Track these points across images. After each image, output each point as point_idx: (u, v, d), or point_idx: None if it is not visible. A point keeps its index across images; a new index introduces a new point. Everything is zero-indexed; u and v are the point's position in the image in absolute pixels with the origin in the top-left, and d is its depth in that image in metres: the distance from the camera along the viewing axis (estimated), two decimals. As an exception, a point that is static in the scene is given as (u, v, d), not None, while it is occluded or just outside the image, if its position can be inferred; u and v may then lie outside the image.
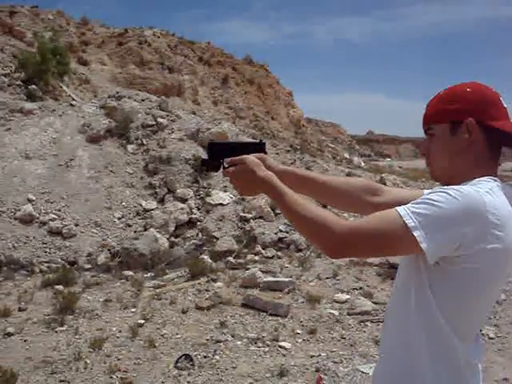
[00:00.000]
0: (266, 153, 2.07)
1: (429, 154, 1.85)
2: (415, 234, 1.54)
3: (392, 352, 1.80)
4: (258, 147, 2.08)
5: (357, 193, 2.07)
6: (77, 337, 6.78)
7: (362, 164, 32.85)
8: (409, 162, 49.96)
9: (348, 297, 8.26)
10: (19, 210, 11.00)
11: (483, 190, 1.60)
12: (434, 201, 1.56)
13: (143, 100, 16.13)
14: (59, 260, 10.14)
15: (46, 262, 10.00)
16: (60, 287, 8.74)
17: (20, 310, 7.83)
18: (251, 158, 1.89)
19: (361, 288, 8.71)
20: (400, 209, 1.59)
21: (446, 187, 1.61)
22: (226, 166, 1.96)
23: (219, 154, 2.01)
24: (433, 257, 1.57)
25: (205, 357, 6.21)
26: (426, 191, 1.85)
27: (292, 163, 15.12)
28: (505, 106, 1.77)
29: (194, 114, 19.23)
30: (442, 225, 1.54)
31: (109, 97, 16.31)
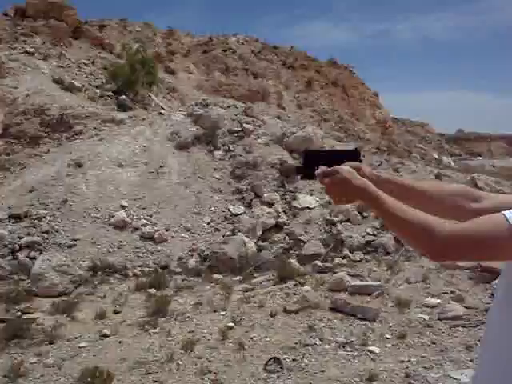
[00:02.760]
0: (360, 161, 2.06)
1: None
2: None
3: (494, 358, 1.74)
4: (353, 155, 2.07)
5: (456, 199, 2.01)
6: (169, 339, 6.98)
7: (452, 164, 31.96)
8: (501, 161, 48.01)
9: (438, 301, 8.05)
10: (113, 216, 11.45)
11: None
12: None
13: (229, 106, 16.40)
14: (151, 264, 10.47)
15: (138, 266, 10.35)
16: (152, 290, 9.03)
17: (115, 312, 8.16)
18: (345, 168, 1.88)
19: (452, 292, 8.47)
20: (506, 212, 1.56)
21: None
22: (319, 173, 1.96)
23: (314, 162, 2.02)
24: None
25: (293, 360, 6.24)
26: None
27: (379, 165, 14.93)
28: None
29: (278, 118, 19.32)
30: None
31: (196, 105, 16.68)
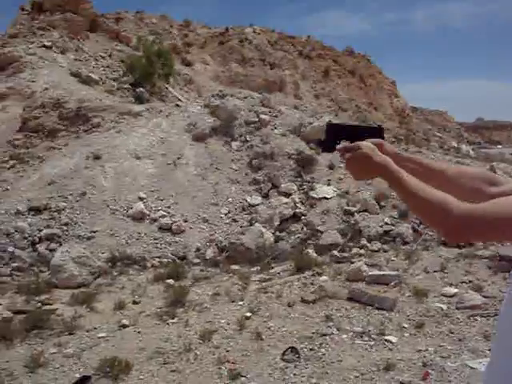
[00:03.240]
0: (383, 138, 2.06)
1: None
2: None
3: (506, 349, 1.76)
4: (376, 132, 2.05)
5: (475, 182, 2.01)
6: (187, 329, 7.03)
7: (471, 152, 31.68)
8: (521, 149, 47.49)
9: (457, 290, 8.00)
10: (131, 208, 11.53)
11: None
12: None
13: (245, 97, 16.40)
14: (169, 255, 10.54)
15: (157, 257, 10.43)
16: (171, 281, 9.09)
17: (134, 303, 8.22)
18: (366, 144, 1.88)
19: (470, 281, 8.42)
20: None
21: None
22: (339, 148, 1.96)
23: (336, 136, 2.03)
24: None
25: (311, 349, 6.25)
26: None
27: (396, 154, 14.86)
28: None
29: (296, 108, 19.30)
30: None
31: (212, 96, 16.70)
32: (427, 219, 1.76)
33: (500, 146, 65.92)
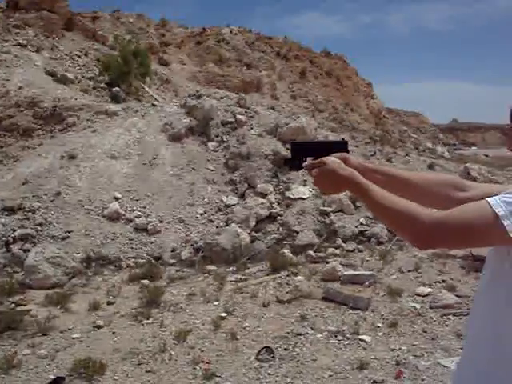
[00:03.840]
0: (348, 151, 2.09)
1: None
2: (505, 223, 1.51)
3: (480, 344, 1.77)
4: (340, 146, 2.08)
5: (443, 189, 2.03)
6: (162, 329, 7.02)
7: (446, 153, 32.02)
8: (495, 150, 48.13)
9: (430, 290, 8.11)
10: (106, 208, 11.46)
11: None
12: None
13: (222, 98, 16.40)
14: (145, 255, 10.49)
15: (132, 258, 10.38)
16: (146, 281, 9.05)
17: (108, 303, 8.18)
18: (331, 159, 1.92)
19: (444, 281, 8.54)
20: (490, 199, 1.58)
21: None
22: (306, 166, 2.00)
23: (301, 153, 2.06)
24: None
25: (285, 349, 6.28)
26: None
27: (372, 155, 14.98)
28: None
29: (272, 109, 19.35)
30: None
31: (189, 96, 16.67)
32: (396, 228, 1.79)
33: (474, 148, 66.82)
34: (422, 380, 5.55)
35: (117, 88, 19.29)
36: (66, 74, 19.50)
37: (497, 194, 1.60)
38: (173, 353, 6.25)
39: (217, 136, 14.65)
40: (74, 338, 6.87)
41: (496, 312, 1.69)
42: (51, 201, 11.57)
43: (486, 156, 41.13)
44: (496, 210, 1.53)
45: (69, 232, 10.74)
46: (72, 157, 13.07)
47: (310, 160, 2.00)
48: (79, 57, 22.66)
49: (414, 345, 6.41)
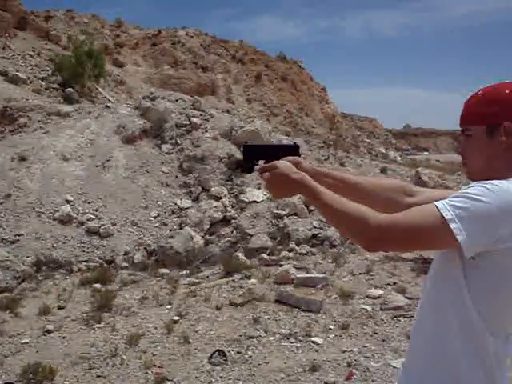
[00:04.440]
0: (300, 155, 2.11)
1: (465, 154, 1.85)
2: (452, 226, 1.55)
3: (424, 346, 1.82)
4: (292, 150, 2.11)
5: (390, 193, 2.08)
6: (114, 333, 6.95)
7: (398, 158, 32.56)
8: (447, 156, 49.20)
9: (381, 292, 8.24)
10: (58, 211, 11.26)
11: None
12: (473, 194, 1.57)
13: (177, 100, 16.29)
14: (97, 259, 10.36)
15: (84, 261, 10.23)
16: (98, 285, 8.95)
17: (59, 308, 8.06)
18: (282, 163, 1.94)
19: (394, 283, 8.68)
20: (438, 202, 1.61)
21: (484, 182, 1.61)
22: (257, 169, 2.01)
23: (253, 156, 2.07)
24: (469, 250, 1.57)
25: (238, 352, 6.30)
26: (463, 187, 1.84)
27: (325, 159, 15.12)
28: None
29: (228, 112, 19.35)
30: (479, 218, 1.54)
31: (143, 98, 16.53)
32: (346, 231, 1.82)
33: (427, 153, 68.17)
34: (373, 381, 5.64)
35: (70, 89, 19.02)
36: (18, 73, 19.13)
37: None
38: (124, 357, 6.20)
39: (171, 138, 14.57)
40: (23, 343, 6.76)
41: (441, 312, 1.74)
42: (1, 203, 11.31)
43: (438, 161, 41.97)
44: (443, 214, 1.57)
45: (19, 235, 10.52)
46: (23, 158, 12.80)
47: (261, 163, 2.02)
48: (32, 56, 22.26)
49: (365, 346, 6.50)
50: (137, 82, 27.00)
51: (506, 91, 1.74)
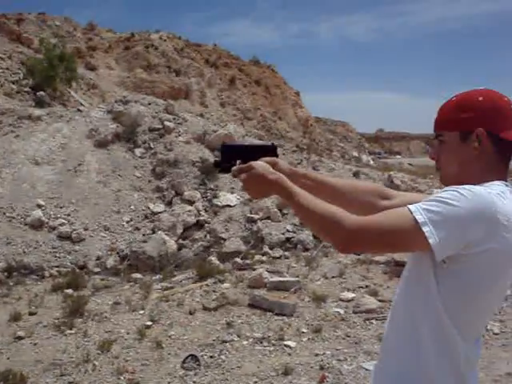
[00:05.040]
0: (277, 156, 2.12)
1: (439, 159, 1.87)
2: (424, 229, 1.56)
3: (396, 348, 1.83)
4: (270, 150, 2.11)
5: (366, 196, 2.10)
6: (86, 339, 6.88)
7: (371, 162, 32.83)
8: (419, 159, 49.72)
9: (354, 295, 8.29)
10: (29, 216, 11.14)
11: (494, 192, 1.63)
12: (445, 198, 1.59)
13: (150, 104, 16.24)
14: (69, 264, 10.27)
15: (55, 267, 10.13)
16: (70, 291, 8.85)
17: (30, 314, 7.94)
18: (259, 163, 1.95)
19: (367, 286, 8.74)
20: (411, 206, 1.63)
21: (457, 186, 1.63)
22: (234, 170, 2.02)
23: (231, 156, 2.08)
24: (440, 253, 1.59)
25: (211, 357, 6.28)
26: (436, 191, 1.83)
27: (298, 163, 15.19)
28: None
29: (201, 116, 19.35)
30: (451, 222, 1.56)
31: (115, 101, 16.44)
32: (320, 232, 1.84)
33: (399, 157, 68.78)
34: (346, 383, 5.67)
35: (41, 92, 18.85)
36: (-12, 77, 18.90)
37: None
38: (96, 363, 6.14)
39: (144, 142, 14.52)
40: (-7, 350, 6.66)
41: (413, 315, 1.76)
42: (-30, 208, 11.16)
43: (410, 165, 42.44)
44: (416, 217, 1.58)
45: (-11, 240, 10.39)
46: (-7, 162, 12.65)
47: (239, 164, 2.03)
48: (3, 59, 21.99)
49: (337, 349, 6.53)
50: (110, 86, 26.83)
51: (480, 98, 1.77)
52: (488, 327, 6.99)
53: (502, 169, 1.79)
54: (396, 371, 1.82)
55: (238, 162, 2.04)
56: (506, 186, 1.72)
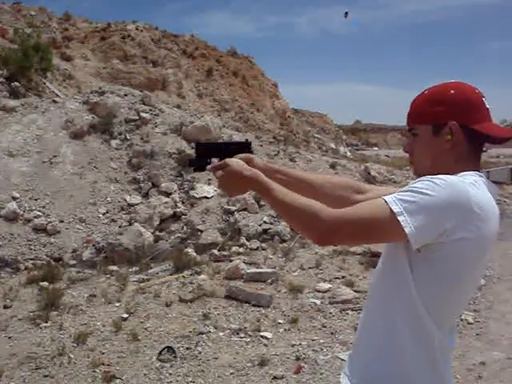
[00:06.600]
0: (252, 152, 2.15)
1: (412, 152, 1.90)
2: (400, 218, 1.60)
3: (371, 337, 1.86)
4: (244, 147, 2.15)
5: (340, 190, 2.14)
6: (61, 332, 6.84)
7: (348, 154, 33.00)
8: (396, 151, 50.09)
9: (330, 286, 8.36)
10: (3, 208, 11.00)
11: (468, 181, 1.67)
12: (420, 188, 1.62)
13: (126, 95, 16.12)
14: (44, 257, 10.17)
15: (31, 259, 10.03)
16: (45, 284, 8.78)
17: (5, 307, 7.86)
18: (234, 160, 1.98)
19: (343, 277, 8.82)
20: (386, 196, 1.66)
21: (431, 176, 1.66)
22: (209, 168, 2.03)
23: (206, 154, 2.09)
24: (416, 242, 1.62)
25: (187, 348, 6.29)
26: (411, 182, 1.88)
27: (275, 155, 15.21)
28: (487, 106, 1.81)
29: (178, 107, 19.24)
30: (426, 211, 1.59)
31: (91, 92, 16.30)
32: (297, 225, 1.86)
33: (376, 148, 69.20)
34: (321, 374, 5.72)
35: (16, 83, 18.54)
36: (-39, 67, 18.58)
37: None
38: (72, 356, 6.11)
39: (120, 134, 14.41)
40: (-33, 344, 6.59)
41: (388, 304, 1.79)
42: None
43: (387, 156, 42.78)
44: (392, 207, 1.62)
45: (-38, 233, 10.25)
46: (-34, 154, 12.47)
47: (214, 161, 2.04)
48: (-25, 50, 21.62)
49: (313, 340, 6.59)
50: (86, 77, 26.56)
51: (451, 91, 1.80)
52: (462, 317, 7.10)
53: (475, 160, 1.82)
54: (370, 359, 1.85)
55: (212, 160, 2.06)
56: (479, 175, 1.76)
